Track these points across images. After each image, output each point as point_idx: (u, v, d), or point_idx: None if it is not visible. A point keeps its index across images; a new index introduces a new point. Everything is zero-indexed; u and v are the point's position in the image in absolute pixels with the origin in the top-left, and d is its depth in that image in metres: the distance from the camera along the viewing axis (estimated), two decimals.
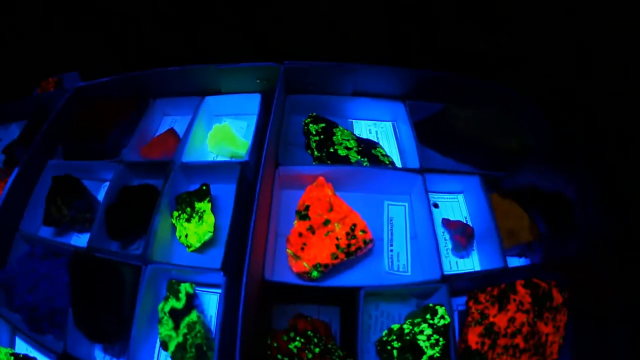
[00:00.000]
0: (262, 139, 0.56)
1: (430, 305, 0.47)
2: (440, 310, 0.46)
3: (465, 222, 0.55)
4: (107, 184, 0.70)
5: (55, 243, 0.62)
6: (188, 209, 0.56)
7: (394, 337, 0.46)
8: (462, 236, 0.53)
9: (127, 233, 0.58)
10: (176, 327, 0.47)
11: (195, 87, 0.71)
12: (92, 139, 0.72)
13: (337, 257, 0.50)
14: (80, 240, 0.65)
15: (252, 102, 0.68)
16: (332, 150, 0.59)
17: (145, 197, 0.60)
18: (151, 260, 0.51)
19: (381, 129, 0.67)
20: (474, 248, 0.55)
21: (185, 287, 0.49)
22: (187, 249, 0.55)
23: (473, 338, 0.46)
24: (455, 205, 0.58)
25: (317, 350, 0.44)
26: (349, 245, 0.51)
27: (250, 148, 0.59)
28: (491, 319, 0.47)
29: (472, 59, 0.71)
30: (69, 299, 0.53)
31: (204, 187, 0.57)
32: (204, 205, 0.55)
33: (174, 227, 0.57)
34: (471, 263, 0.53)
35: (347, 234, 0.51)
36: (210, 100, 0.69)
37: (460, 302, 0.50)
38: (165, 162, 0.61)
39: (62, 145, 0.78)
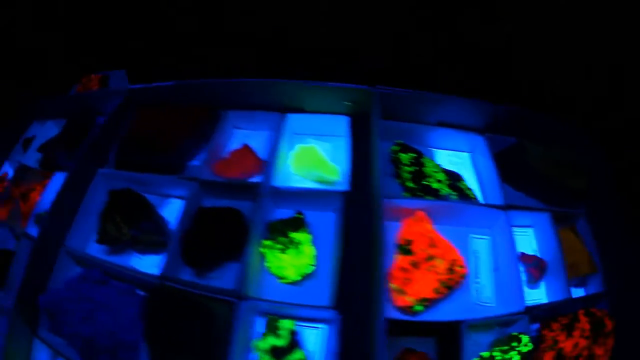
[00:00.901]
0: (359, 167, 0.56)
1: (515, 333, 0.55)
2: (525, 339, 0.54)
3: (537, 255, 0.63)
4: (172, 200, 0.66)
5: (115, 266, 0.56)
6: (282, 238, 0.54)
7: None
8: (537, 269, 0.60)
9: (209, 261, 0.55)
10: None
11: (273, 101, 0.66)
12: (153, 149, 0.66)
13: (439, 292, 0.55)
14: (143, 262, 0.60)
15: (335, 124, 0.66)
16: (425, 182, 0.61)
17: (230, 221, 0.57)
18: (246, 295, 0.49)
19: (459, 160, 0.70)
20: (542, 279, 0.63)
21: (286, 324, 0.49)
22: (278, 279, 0.54)
23: None
24: (525, 238, 0.65)
25: None
26: (449, 280, 0.56)
27: (345, 175, 0.58)
28: (560, 345, 0.56)
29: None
30: (141, 334, 0.49)
31: (299, 216, 0.56)
32: (301, 236, 0.54)
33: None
34: (538, 293, 0.62)
35: (448, 269, 0.56)
36: (292, 117, 0.66)
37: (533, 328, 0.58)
38: (252, 184, 0.58)
39: (115, 154, 0.70)
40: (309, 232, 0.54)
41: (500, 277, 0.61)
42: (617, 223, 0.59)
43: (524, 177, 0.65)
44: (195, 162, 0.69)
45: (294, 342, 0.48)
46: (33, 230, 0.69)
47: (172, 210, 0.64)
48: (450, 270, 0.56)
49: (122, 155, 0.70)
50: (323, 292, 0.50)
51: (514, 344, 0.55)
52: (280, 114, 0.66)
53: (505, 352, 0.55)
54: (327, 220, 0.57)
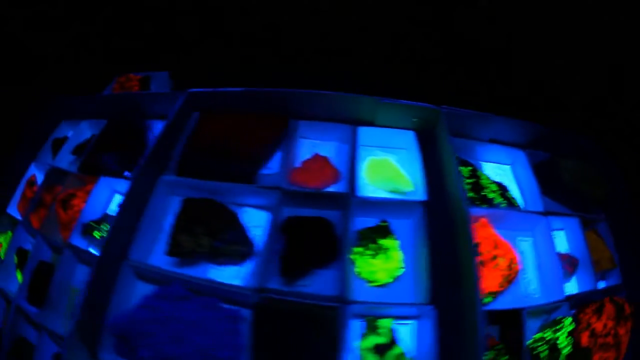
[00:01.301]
0: (434, 178, 0.63)
1: (559, 317, 0.66)
2: (567, 321, 0.65)
3: (570, 254, 0.74)
4: (246, 209, 0.67)
5: (199, 281, 0.55)
6: (372, 245, 0.60)
7: (540, 343, 0.64)
8: (570, 265, 0.71)
9: (304, 269, 0.58)
10: None
11: (343, 114, 0.71)
12: (226, 156, 0.67)
13: (502, 286, 0.64)
14: (224, 274, 0.59)
15: (400, 137, 0.73)
16: (483, 193, 0.70)
17: (321, 230, 0.61)
18: (349, 300, 0.53)
19: (502, 171, 0.79)
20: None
21: (385, 323, 0.55)
22: (367, 283, 0.60)
23: (585, 339, 0.66)
24: (558, 239, 0.76)
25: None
26: (509, 276, 0.65)
27: (420, 185, 0.65)
28: (593, 325, 0.68)
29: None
30: (237, 349, 0.49)
31: (384, 224, 0.63)
32: (389, 243, 0.60)
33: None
34: (572, 285, 0.73)
35: (508, 266, 0.65)
36: (362, 131, 0.71)
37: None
38: (340, 194, 0.63)
39: (179, 160, 0.70)
40: (396, 238, 0.61)
41: (542, 272, 0.72)
42: (632, 226, 0.72)
43: (557, 187, 0.77)
44: (266, 171, 0.72)
45: (393, 339, 0.54)
46: (79, 242, 0.66)
47: (247, 220, 0.65)
48: (510, 267, 0.65)
49: (188, 162, 0.69)
50: (414, 291, 0.57)
51: (560, 325, 0.66)
52: (352, 127, 0.71)
53: (554, 332, 0.66)
54: (408, 227, 0.63)
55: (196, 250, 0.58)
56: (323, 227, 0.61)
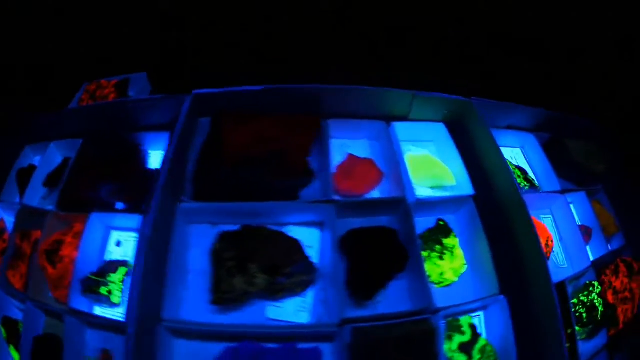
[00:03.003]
0: (476, 170, 0.64)
1: (588, 282, 0.72)
2: (595, 284, 0.72)
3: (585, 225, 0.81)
4: (291, 228, 0.59)
5: (269, 329, 0.48)
6: (437, 246, 0.59)
7: (580, 306, 0.69)
8: (587, 235, 0.78)
9: (376, 287, 0.53)
10: (470, 359, 0.53)
11: (376, 110, 0.68)
12: (266, 170, 0.59)
13: None
14: (286, 311, 0.51)
15: (431, 131, 0.72)
16: None
17: (384, 241, 0.57)
18: (436, 308, 0.51)
19: (513, 154, 0.84)
20: None
21: (465, 321, 0.55)
22: (436, 285, 0.58)
23: (610, 296, 0.74)
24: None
25: None
26: (546, 253, 0.69)
27: (464, 179, 0.65)
28: (614, 284, 0.75)
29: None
30: None
31: (442, 223, 0.61)
32: (452, 241, 0.59)
33: None
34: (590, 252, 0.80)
35: (545, 244, 0.69)
36: (397, 126, 0.68)
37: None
38: (397, 199, 0.59)
39: (195, 181, 0.59)
40: (456, 236, 0.60)
41: (565, 245, 0.78)
42: (629, 192, 0.82)
43: (564, 166, 0.83)
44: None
45: (476, 334, 0.54)
46: (81, 303, 0.54)
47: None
48: (546, 244, 0.69)
49: (208, 181, 0.60)
50: (481, 285, 0.56)
51: (591, 288, 0.72)
52: (385, 123, 0.68)
53: (587, 295, 0.72)
54: (462, 222, 0.63)
55: (249, 291, 0.49)
56: (386, 236, 0.57)
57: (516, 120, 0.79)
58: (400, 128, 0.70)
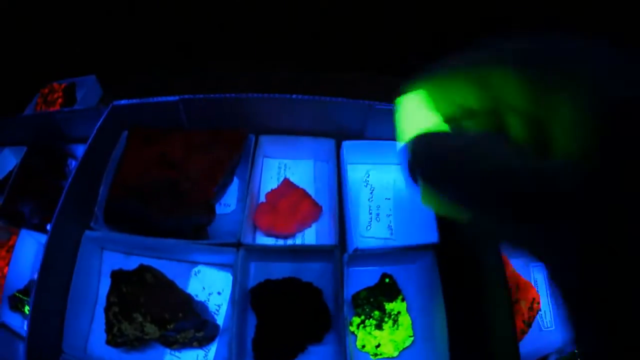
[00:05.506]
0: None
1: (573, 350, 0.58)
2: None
3: None
4: (202, 269, 0.49)
5: None
6: (376, 312, 0.45)
7: None
8: None
9: (287, 355, 0.42)
10: None
11: (321, 124, 0.52)
12: (166, 196, 0.47)
13: (523, 332, 0.53)
14: None
15: (387, 151, 0.55)
16: None
17: (303, 301, 0.43)
18: None
19: None
20: None
21: None
22: (371, 357, 0.45)
23: None
24: None
25: None
26: (529, 318, 0.54)
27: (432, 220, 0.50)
28: None
29: None
30: None
31: (388, 280, 0.46)
32: (398, 306, 0.45)
33: None
34: None
35: (529, 308, 0.54)
36: (347, 145, 0.52)
37: None
38: (328, 247, 0.46)
39: (107, 205, 0.49)
40: (404, 299, 0.45)
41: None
42: None
43: None
44: (223, 208, 0.52)
45: None
46: (11, 318, 0.50)
47: (204, 283, 0.48)
48: (531, 308, 0.54)
49: (115, 207, 0.48)
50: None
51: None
52: (334, 140, 0.53)
53: None
54: (413, 278, 0.48)
55: (143, 338, 0.42)
56: (307, 295, 0.43)
57: None
58: (351, 147, 0.53)
